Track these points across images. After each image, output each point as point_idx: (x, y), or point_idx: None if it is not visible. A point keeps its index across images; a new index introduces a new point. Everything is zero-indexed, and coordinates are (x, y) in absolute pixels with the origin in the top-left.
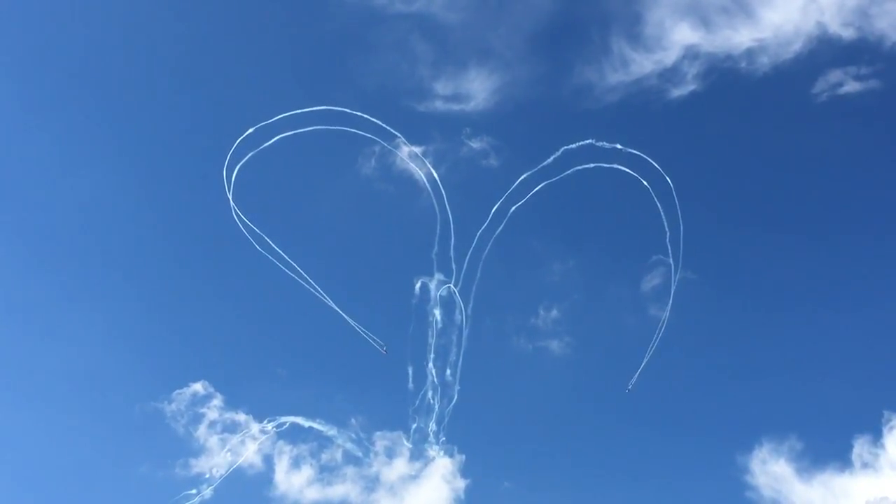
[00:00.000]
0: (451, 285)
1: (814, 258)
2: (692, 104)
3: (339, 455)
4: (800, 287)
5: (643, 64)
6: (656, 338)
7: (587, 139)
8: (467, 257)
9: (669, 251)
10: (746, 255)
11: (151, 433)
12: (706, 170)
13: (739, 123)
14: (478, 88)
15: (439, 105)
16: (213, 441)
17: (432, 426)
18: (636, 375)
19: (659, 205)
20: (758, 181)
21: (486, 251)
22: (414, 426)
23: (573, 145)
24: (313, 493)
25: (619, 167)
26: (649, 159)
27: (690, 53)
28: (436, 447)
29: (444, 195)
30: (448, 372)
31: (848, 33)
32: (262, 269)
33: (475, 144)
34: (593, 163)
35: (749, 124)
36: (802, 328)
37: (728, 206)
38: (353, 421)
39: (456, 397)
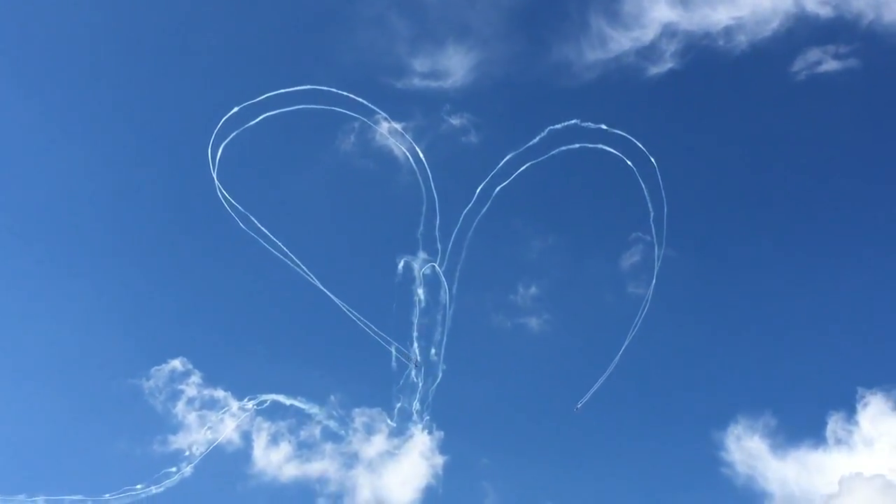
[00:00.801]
0: (435, 264)
1: (790, 237)
2: (670, 82)
3: (317, 432)
4: (776, 266)
5: (621, 42)
6: (639, 318)
7: (566, 116)
8: (452, 237)
9: (653, 231)
10: (724, 234)
11: (129, 410)
12: (685, 147)
13: (718, 101)
14: (456, 66)
15: (417, 82)
16: (192, 418)
17: (416, 405)
18: (586, 397)
19: (643, 185)
20: (736, 159)
21: (471, 231)
22: (398, 405)
23: (558, 125)
24: (292, 469)
25: (604, 147)
26: (634, 140)
27: (668, 31)
28: (420, 426)
29: (430, 175)
30: (433, 351)
31: (825, 12)
32: (242, 247)
33: (455, 121)
34: (578, 143)
35: (728, 102)
36: (777, 307)
37: (706, 183)
38: (331, 398)
39: (440, 376)
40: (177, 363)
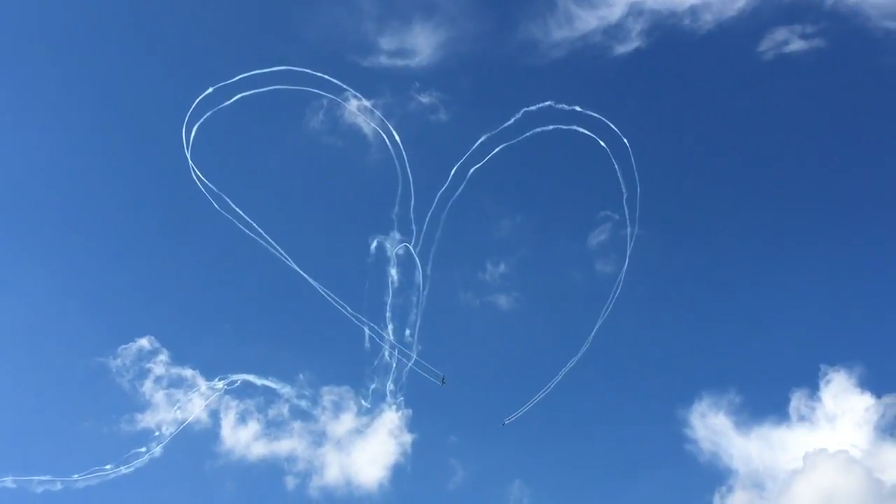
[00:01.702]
0: (409, 245)
1: (755, 216)
2: (637, 61)
3: (285, 410)
4: (740, 245)
5: (588, 20)
6: (611, 299)
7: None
8: (427, 218)
9: (626, 211)
10: (691, 214)
11: (96, 389)
12: (652, 126)
13: (685, 81)
14: (422, 44)
15: (384, 60)
16: (160, 396)
17: (390, 386)
18: (518, 413)
19: (617, 166)
20: (703, 138)
21: (445, 212)
22: (373, 386)
23: (533, 107)
24: (260, 448)
25: (579, 129)
26: (608, 122)
27: (635, 10)
28: (394, 407)
29: (406, 157)
30: (407, 332)
31: None
32: (211, 226)
33: (424, 99)
34: (552, 124)
35: (695, 82)
36: (742, 286)
37: (673, 162)
38: (300, 376)
39: (415, 357)
40: (144, 342)
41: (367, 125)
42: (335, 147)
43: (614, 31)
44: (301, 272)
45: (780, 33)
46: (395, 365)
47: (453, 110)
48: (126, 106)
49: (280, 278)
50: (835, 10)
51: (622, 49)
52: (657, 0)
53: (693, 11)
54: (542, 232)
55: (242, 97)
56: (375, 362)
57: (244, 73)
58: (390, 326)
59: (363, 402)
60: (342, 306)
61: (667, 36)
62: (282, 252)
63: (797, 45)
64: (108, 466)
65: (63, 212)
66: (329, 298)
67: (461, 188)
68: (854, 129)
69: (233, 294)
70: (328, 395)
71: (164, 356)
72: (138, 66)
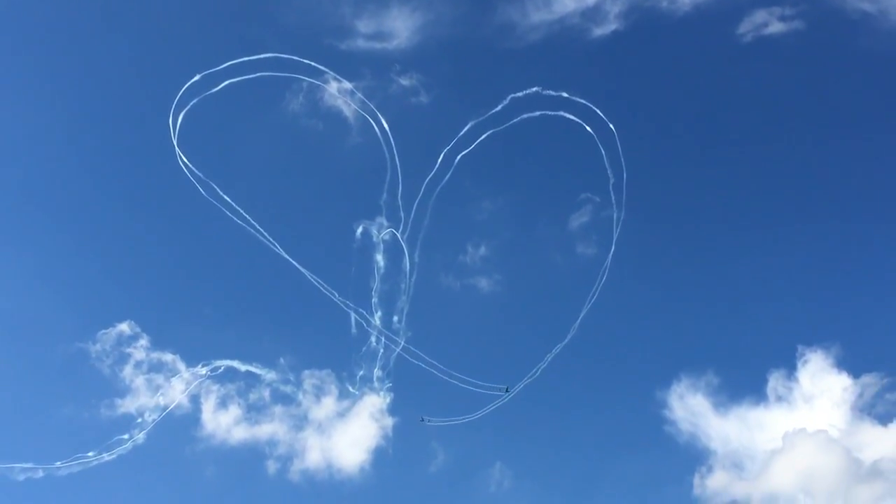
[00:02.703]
0: (397, 232)
1: (731, 198)
2: (614, 43)
3: (266, 394)
4: (717, 226)
5: (565, 3)
6: (597, 286)
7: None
8: (415, 204)
9: (612, 196)
10: (669, 197)
11: (76, 374)
12: (632, 108)
13: (664, 63)
14: (400, 27)
15: (361, 43)
16: (139, 381)
17: (378, 372)
18: (431, 418)
19: (603, 152)
20: (682, 120)
21: (433, 198)
22: (360, 373)
23: (520, 93)
24: (241, 432)
25: (566, 115)
26: (595, 108)
27: None
28: (382, 393)
29: (393, 142)
30: (395, 318)
31: None
32: (192, 211)
33: (405, 82)
34: (539, 111)
35: (673, 64)
36: (719, 267)
37: (653, 144)
38: (281, 360)
39: (403, 343)
40: (124, 326)
41: (350, 108)
42: (316, 131)
43: (592, 14)
44: (288, 258)
45: (760, 16)
46: (382, 351)
47: (435, 93)
48: (100, 92)
49: (260, 262)
50: None
51: (600, 31)
52: None
53: None
54: (522, 214)
55: (229, 84)
56: (364, 349)
57: (221, 57)
58: (378, 313)
59: (350, 388)
60: (330, 292)
61: (644, 18)
62: (270, 239)
63: (776, 28)
64: (90, 454)
65: (42, 196)
66: (318, 285)
67: (449, 174)
68: (832, 113)
69: (213, 279)
70: (309, 378)
71: (144, 341)
72: (115, 52)
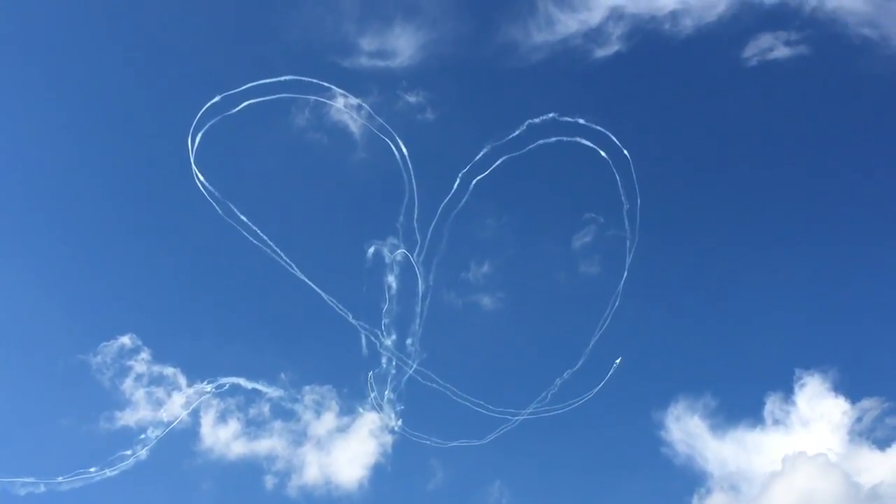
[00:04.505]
0: (411, 255)
1: (730, 220)
2: (616, 64)
3: (266, 409)
4: (715, 248)
5: (568, 24)
6: (610, 311)
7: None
8: (431, 227)
9: (626, 223)
10: (673, 218)
11: (76, 386)
12: (636, 128)
13: (666, 85)
14: (403, 45)
15: (364, 61)
16: (140, 394)
17: (389, 394)
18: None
19: (618, 178)
20: (686, 142)
21: (449, 221)
22: (373, 395)
23: (537, 119)
24: (240, 447)
25: (581, 140)
26: (611, 135)
27: (615, 14)
28: (394, 415)
29: (411, 167)
30: (409, 341)
31: None
32: (197, 223)
33: (411, 98)
34: (554, 135)
35: (676, 86)
36: (716, 289)
37: (654, 167)
38: (282, 375)
39: (414, 366)
40: (126, 339)
41: (357, 124)
42: (321, 146)
43: (595, 35)
44: (304, 278)
45: (765, 40)
46: (393, 373)
47: (441, 111)
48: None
49: (260, 276)
50: (814, 17)
51: (602, 53)
52: (637, 4)
53: (673, 16)
54: (526, 233)
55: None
56: (376, 370)
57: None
58: (392, 336)
59: (360, 409)
60: (345, 313)
61: (646, 40)
62: (287, 260)
63: (782, 52)
64: (92, 469)
65: (48, 208)
66: (334, 306)
67: (465, 198)
68: (839, 137)
69: (215, 293)
70: (310, 394)
71: (145, 354)
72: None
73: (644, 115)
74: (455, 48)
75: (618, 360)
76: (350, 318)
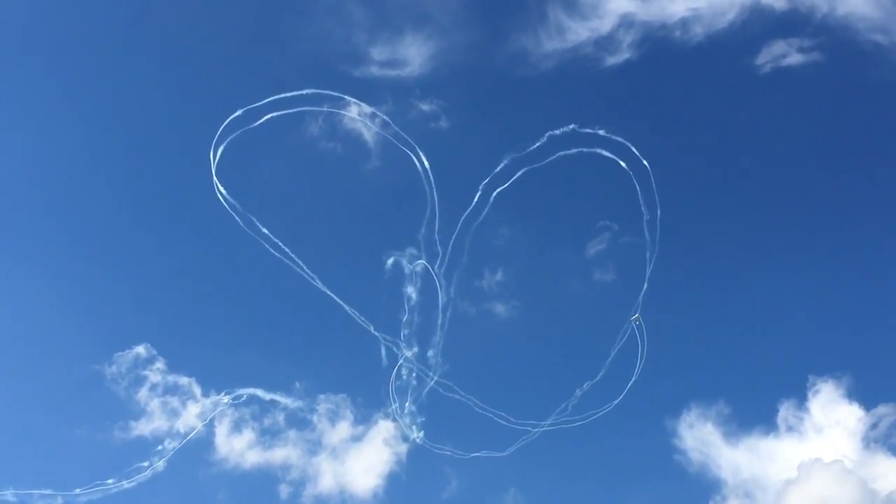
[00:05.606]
0: (431, 266)
1: (743, 226)
2: (628, 72)
3: (281, 418)
4: (728, 255)
5: (579, 32)
6: (627, 328)
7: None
8: (452, 239)
9: (646, 234)
10: (686, 226)
11: (91, 395)
12: (649, 136)
13: (678, 92)
14: (414, 54)
15: (375, 70)
16: (154, 404)
17: (409, 406)
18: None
19: (638, 189)
20: (700, 149)
21: (470, 232)
22: (394, 406)
23: (557, 131)
24: (254, 456)
25: (602, 152)
26: (630, 146)
27: (626, 22)
28: (416, 427)
29: (433, 179)
30: (430, 352)
31: (780, 4)
32: (213, 233)
33: (425, 107)
34: (574, 146)
35: (688, 94)
36: (728, 296)
37: (669, 175)
38: (297, 384)
39: (436, 378)
40: (141, 349)
41: (370, 132)
42: (336, 156)
43: (605, 43)
44: (327, 290)
45: (779, 46)
46: (414, 384)
47: (455, 119)
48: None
49: (275, 285)
50: (825, 23)
51: (613, 60)
52: (648, 12)
53: (684, 23)
54: (540, 240)
55: (270, 118)
56: (396, 382)
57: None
58: (414, 347)
59: (380, 419)
60: (366, 324)
61: (657, 48)
62: (309, 272)
63: (795, 59)
64: (109, 481)
65: (67, 219)
66: (356, 317)
67: (486, 210)
68: (854, 143)
69: (231, 303)
70: (324, 403)
71: (160, 363)
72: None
73: (658, 122)
74: (465, 57)
75: (635, 317)
76: (372, 330)
